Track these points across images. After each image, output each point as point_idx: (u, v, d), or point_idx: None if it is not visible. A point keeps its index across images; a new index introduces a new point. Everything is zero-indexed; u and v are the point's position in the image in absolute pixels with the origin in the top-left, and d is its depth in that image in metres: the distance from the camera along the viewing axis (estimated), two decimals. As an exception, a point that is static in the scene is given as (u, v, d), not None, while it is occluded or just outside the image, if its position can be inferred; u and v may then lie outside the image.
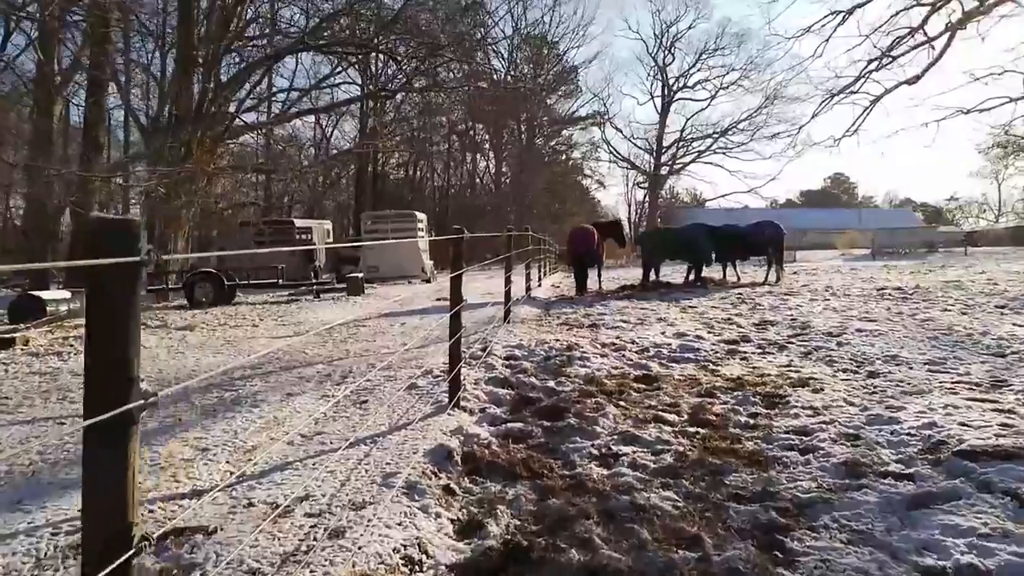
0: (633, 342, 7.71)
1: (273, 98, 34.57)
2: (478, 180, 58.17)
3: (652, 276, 15.69)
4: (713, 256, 15.28)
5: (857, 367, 6.27)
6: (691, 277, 15.34)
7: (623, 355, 6.94)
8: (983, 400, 4.82)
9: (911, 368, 6.11)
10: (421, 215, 24.15)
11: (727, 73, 55.39)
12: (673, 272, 19.34)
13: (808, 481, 3.64)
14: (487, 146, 57.30)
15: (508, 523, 3.30)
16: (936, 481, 3.53)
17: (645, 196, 59.74)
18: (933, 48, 17.55)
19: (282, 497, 3.46)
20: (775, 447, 4.17)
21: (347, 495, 3.46)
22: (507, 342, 7.50)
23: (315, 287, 16.32)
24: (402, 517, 3.20)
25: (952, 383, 5.42)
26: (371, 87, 34.08)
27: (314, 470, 3.87)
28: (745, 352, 7.20)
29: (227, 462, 4.13)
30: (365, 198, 48.19)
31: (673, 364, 6.62)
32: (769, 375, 6.02)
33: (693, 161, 57.98)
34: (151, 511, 3.37)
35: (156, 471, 3.97)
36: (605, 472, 3.87)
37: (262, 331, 10.01)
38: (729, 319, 9.42)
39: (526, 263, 12.84)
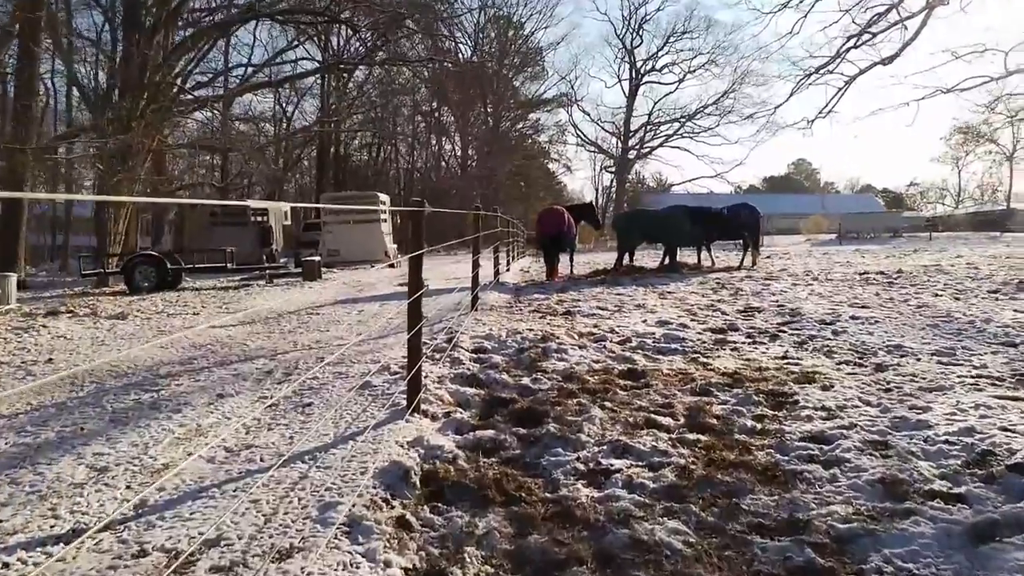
0: (613, 331, 7.04)
1: (230, 73, 32.93)
2: (444, 163, 57.01)
3: (626, 260, 15.08)
4: (690, 239, 14.74)
5: (860, 358, 5.70)
6: (666, 261, 14.77)
7: (604, 346, 6.25)
8: (1016, 399, 4.26)
9: (919, 360, 5.56)
10: (384, 196, 23.15)
11: (695, 57, 55.02)
12: (644, 256, 18.85)
13: (841, 504, 3.00)
14: (453, 129, 56.13)
15: (478, 571, 2.58)
16: (996, 504, 2.92)
17: (612, 180, 59.29)
18: (906, 28, 17.21)
19: (186, 540, 2.69)
20: (792, 459, 3.53)
21: (271, 536, 2.69)
22: (475, 332, 6.75)
23: (268, 272, 15.29)
24: (340, 570, 2.45)
25: (972, 378, 4.87)
26: (331, 62, 32.62)
27: (234, 498, 3.09)
28: (735, 342, 6.59)
29: (127, 487, 3.33)
30: (327, 181, 46.77)
31: (659, 356, 5.97)
32: (767, 368, 5.41)
33: (661, 145, 57.69)
34: (3, 566, 2.55)
35: (31, 502, 3.14)
36: (596, 494, 3.18)
37: (203, 320, 9.08)
38: (712, 305, 8.82)
39: (494, 246, 12.09)
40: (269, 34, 36.36)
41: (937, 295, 8.92)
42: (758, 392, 4.70)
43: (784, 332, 6.97)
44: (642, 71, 57.04)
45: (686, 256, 16.22)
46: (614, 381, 5.06)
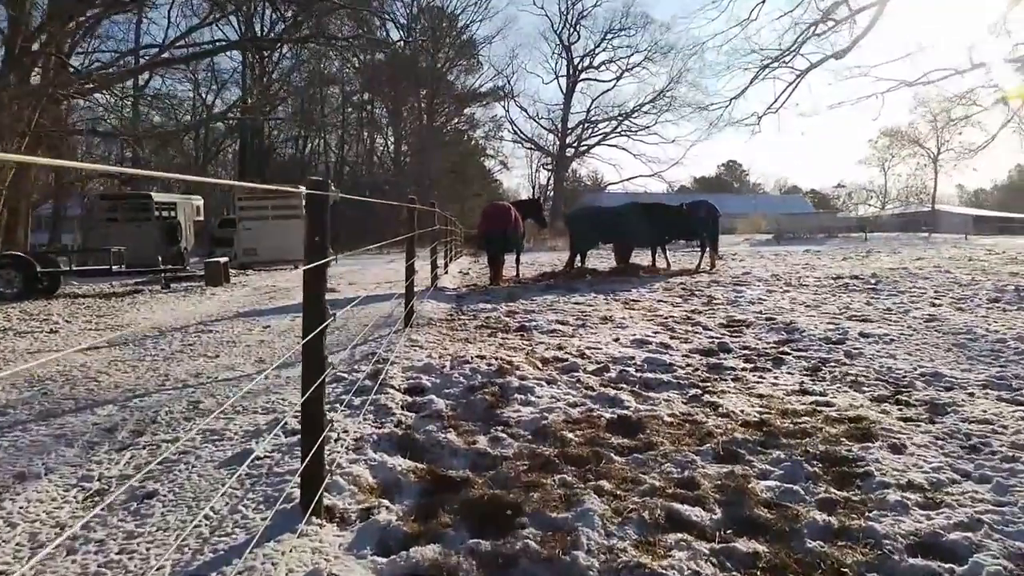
0: (583, 355, 5.64)
1: (142, 55, 29.84)
2: (376, 158, 54.64)
3: (577, 261, 13.80)
4: (648, 239, 13.58)
5: (900, 394, 4.50)
6: (621, 263, 13.57)
7: (577, 380, 4.83)
8: None
9: (973, 396, 4.40)
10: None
11: (632, 54, 54.70)
12: (591, 257, 17.57)
13: None
14: (386, 123, 53.90)
15: None
16: None
17: (550, 178, 58.32)
18: (855, 23, 16.65)
19: None
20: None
21: None
22: (410, 360, 5.20)
23: (164, 275, 13.15)
24: None
25: (1070, 426, 3.70)
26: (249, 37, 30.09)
27: None
28: (733, 368, 5.31)
29: None
30: (250, 175, 43.78)
31: (649, 393, 4.60)
32: (797, 412, 4.12)
33: (599, 143, 57.13)
34: None
35: None
36: None
37: (61, 339, 7.14)
38: (689, 318, 7.56)
39: (431, 247, 10.55)
40: (182, 12, 33.19)
41: (935, 304, 7.96)
42: (806, 455, 3.38)
43: (788, 355, 5.73)
44: (579, 68, 56.35)
45: (637, 257, 15.05)
46: (603, 440, 3.63)
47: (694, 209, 13.45)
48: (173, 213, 21.05)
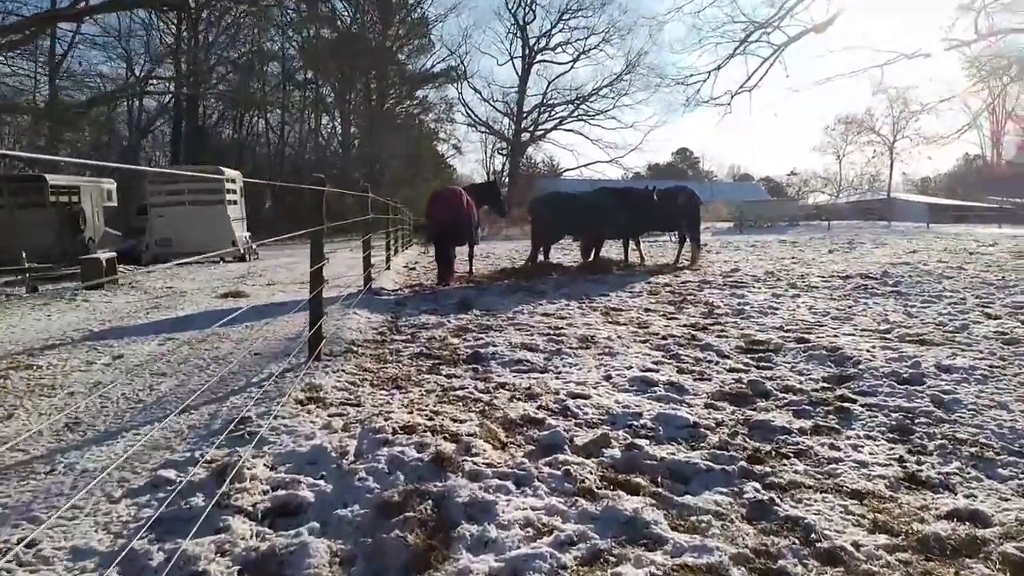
0: (566, 411, 3.80)
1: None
2: (322, 141, 51.59)
3: (540, 255, 11.97)
4: (622, 229, 11.85)
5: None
6: (590, 257, 11.80)
7: (564, 470, 2.97)
8: None
9: None
10: (232, 172, 18.66)
11: (589, 36, 52.89)
12: (554, 248, 15.76)
13: None
14: (332, 104, 50.88)
15: None
16: None
17: (505, 163, 56.25)
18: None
19: None
20: None
21: None
22: (293, 438, 3.26)
23: (28, 276, 10.67)
24: None
25: None
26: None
27: None
28: (786, 430, 3.59)
29: None
30: (183, 158, 40.48)
31: (684, 496, 2.80)
32: (940, 540, 2.38)
33: (555, 128, 55.26)
34: None
35: None
36: None
37: None
38: (693, 337, 5.81)
39: (365, 238, 8.54)
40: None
41: (991, 316, 6.41)
42: None
43: (852, 403, 4.02)
44: (535, 49, 54.25)
45: (607, 249, 13.30)
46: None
47: (672, 196, 11.74)
48: (76, 198, 18.40)
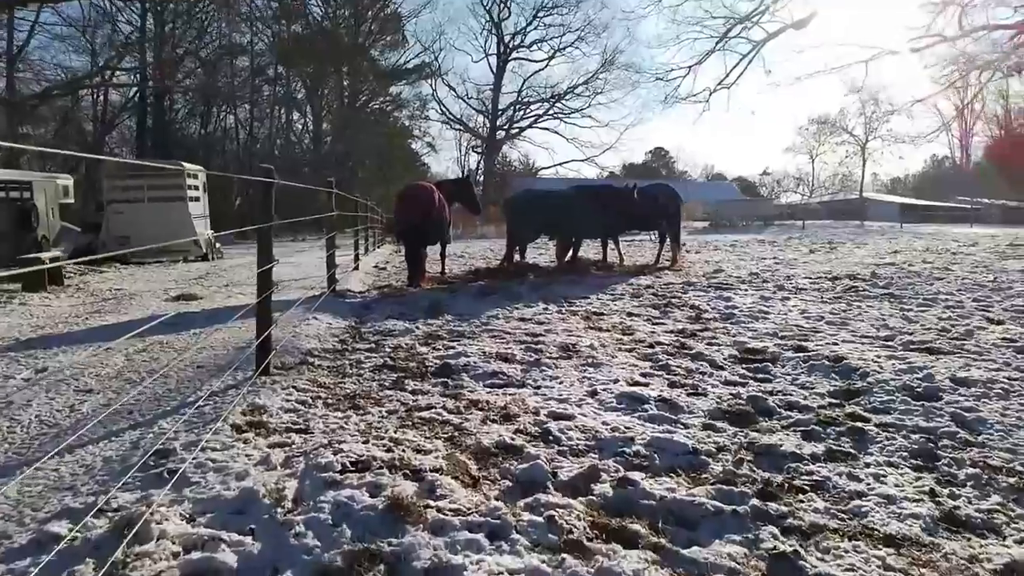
0: (547, 436, 3.32)
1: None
2: (294, 137, 50.49)
3: (516, 255, 11.47)
4: (601, 230, 11.41)
5: None
6: (567, 257, 11.33)
7: (547, 514, 2.48)
8: None
9: None
10: (195, 167, 17.85)
11: (564, 33, 52.60)
12: (529, 248, 15.29)
13: None
14: (302, 98, 49.78)
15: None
16: None
17: (479, 161, 55.69)
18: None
19: None
20: None
21: None
22: (221, 476, 2.73)
23: (-39, 277, 9.88)
24: None
25: None
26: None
27: None
28: (797, 456, 3.17)
29: None
30: (149, 154, 39.19)
31: (690, 547, 2.34)
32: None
33: (531, 126, 54.86)
34: None
35: None
36: None
37: None
38: (682, 345, 5.37)
39: (328, 237, 7.96)
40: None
41: (994, 320, 6.07)
42: None
43: (865, 422, 3.60)
44: (510, 46, 53.82)
45: (585, 249, 12.85)
46: None
47: (652, 195, 11.31)
48: (28, 194, 17.45)
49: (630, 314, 6.80)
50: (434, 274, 10.43)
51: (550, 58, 53.27)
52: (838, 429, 3.53)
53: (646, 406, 3.84)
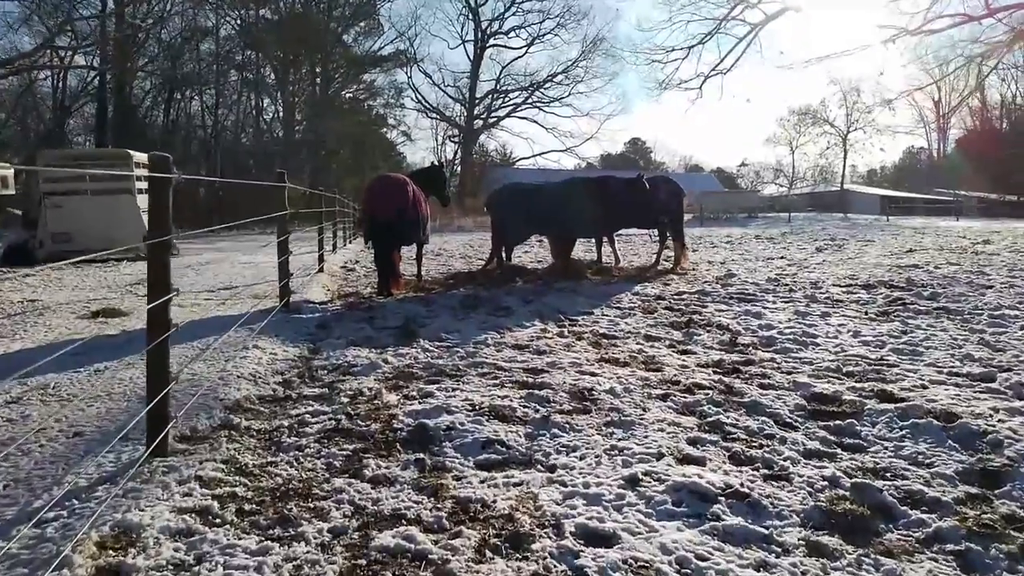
0: (583, 585, 2.09)
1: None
2: (264, 125, 48.42)
3: (503, 256, 10.19)
4: (599, 227, 10.18)
5: None
6: (561, 260, 10.08)
7: None
8: None
9: None
10: (142, 156, 16.21)
11: (543, 20, 51.24)
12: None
13: None
14: (272, 84, 47.70)
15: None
16: None
17: (457, 151, 54.16)
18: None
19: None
20: None
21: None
22: None
23: None
24: None
25: None
26: None
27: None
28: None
29: None
30: (109, 142, 37.06)
31: None
32: None
33: (509, 115, 53.50)
34: None
35: None
36: None
37: None
38: (728, 387, 4.16)
39: (281, 240, 6.61)
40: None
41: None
42: None
43: (1045, 534, 2.44)
44: (488, 32, 52.33)
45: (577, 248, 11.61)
46: None
47: (653, 187, 10.05)
48: (-42, 185, 15.71)
49: (648, 337, 5.58)
50: (409, 276, 9.11)
51: (529, 45, 52.00)
52: (1006, 549, 2.36)
53: (715, 508, 2.62)
